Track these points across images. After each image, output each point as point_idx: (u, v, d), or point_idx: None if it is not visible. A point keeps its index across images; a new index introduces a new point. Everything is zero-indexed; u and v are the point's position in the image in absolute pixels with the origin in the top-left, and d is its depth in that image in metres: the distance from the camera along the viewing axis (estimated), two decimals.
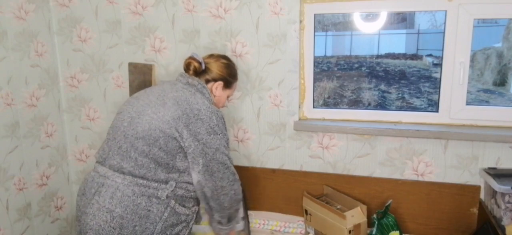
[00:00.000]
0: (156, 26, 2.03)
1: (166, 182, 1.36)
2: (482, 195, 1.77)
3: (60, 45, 2.19)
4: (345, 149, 1.93)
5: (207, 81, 1.54)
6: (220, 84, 1.56)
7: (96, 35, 2.13)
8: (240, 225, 1.67)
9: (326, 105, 4.92)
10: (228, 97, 1.65)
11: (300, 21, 1.87)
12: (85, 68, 2.19)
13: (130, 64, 2.11)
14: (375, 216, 1.76)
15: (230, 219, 1.50)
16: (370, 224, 1.77)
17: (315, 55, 1.93)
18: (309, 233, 1.87)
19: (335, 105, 5.29)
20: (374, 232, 1.73)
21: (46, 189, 2.18)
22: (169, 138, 1.34)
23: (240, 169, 2.05)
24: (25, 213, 2.04)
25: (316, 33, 1.90)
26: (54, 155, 2.22)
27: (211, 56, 1.60)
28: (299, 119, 1.98)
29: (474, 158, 1.77)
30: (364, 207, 1.74)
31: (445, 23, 1.74)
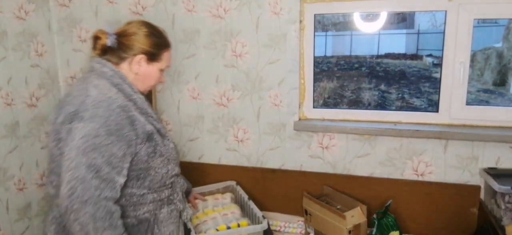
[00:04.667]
0: None
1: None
2: (482, 195, 1.77)
3: (60, 45, 2.19)
4: (345, 149, 1.93)
5: (123, 59, 1.25)
6: (142, 58, 1.25)
7: None
8: None
9: (326, 105, 4.92)
10: (161, 70, 1.33)
11: (300, 21, 1.87)
12: (85, 68, 2.19)
13: None
14: (375, 216, 1.76)
15: None
16: (370, 224, 1.77)
17: (315, 55, 1.93)
18: (309, 233, 1.87)
19: (335, 105, 5.29)
20: (374, 232, 1.73)
21: (46, 189, 2.18)
22: (53, 147, 1.19)
23: (240, 169, 2.06)
24: (25, 213, 2.04)
25: (316, 33, 1.90)
26: None
27: (127, 24, 1.29)
28: (299, 119, 1.98)
29: (474, 158, 1.77)
30: (364, 207, 1.74)
31: (445, 23, 1.74)
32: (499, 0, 1.65)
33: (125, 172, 1.15)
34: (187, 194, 1.74)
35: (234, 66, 1.97)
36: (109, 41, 1.22)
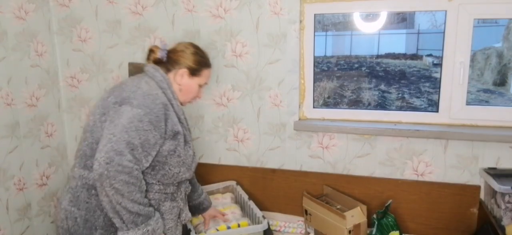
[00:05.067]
0: (156, 26, 2.03)
1: None
2: (482, 195, 1.77)
3: (60, 45, 2.19)
4: (345, 149, 1.93)
5: (169, 70, 1.46)
6: (185, 72, 1.46)
7: (96, 35, 2.13)
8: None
9: (326, 105, 4.92)
10: (200, 86, 1.53)
11: (300, 21, 1.87)
12: (85, 68, 2.19)
13: (130, 64, 2.11)
14: (375, 216, 1.76)
15: (122, 222, 1.27)
16: (370, 224, 1.77)
17: (315, 55, 1.93)
18: (309, 233, 1.87)
19: (335, 105, 5.29)
20: (374, 232, 1.73)
21: (46, 189, 2.18)
22: (96, 120, 1.33)
23: (240, 169, 2.06)
24: (25, 213, 2.04)
25: (316, 33, 1.90)
26: (54, 155, 2.22)
27: (178, 44, 1.53)
28: (299, 119, 1.98)
29: (474, 158, 1.77)
30: (364, 207, 1.74)
31: (445, 23, 1.74)
32: (499, 0, 1.65)
33: (150, 158, 1.31)
34: (204, 210, 1.73)
35: (234, 66, 1.97)
36: (160, 54, 1.45)
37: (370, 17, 1.95)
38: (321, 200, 1.83)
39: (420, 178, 1.85)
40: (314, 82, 1.96)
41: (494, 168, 1.73)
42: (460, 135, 1.72)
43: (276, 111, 1.97)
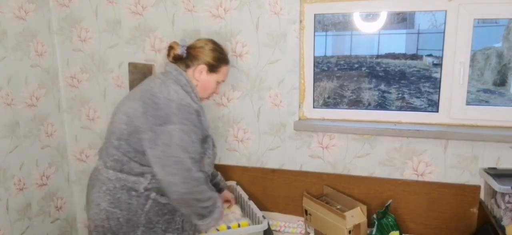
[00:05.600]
0: (156, 26, 2.03)
1: (142, 175, 1.39)
2: (482, 195, 1.77)
3: (60, 45, 2.19)
4: (345, 149, 1.93)
5: (189, 66, 1.49)
6: (203, 68, 1.49)
7: (96, 35, 2.13)
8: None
9: (326, 105, 4.91)
10: (218, 82, 1.57)
11: (300, 21, 1.87)
12: (85, 68, 2.19)
13: (130, 64, 2.11)
14: (375, 216, 1.76)
15: (200, 218, 1.43)
16: (370, 224, 1.77)
17: (315, 55, 1.93)
18: (309, 233, 1.87)
19: (335, 105, 5.28)
20: (374, 232, 1.73)
21: (46, 189, 2.18)
22: (132, 130, 1.36)
23: (240, 169, 2.06)
24: (25, 213, 2.04)
25: (316, 33, 1.90)
26: (54, 155, 2.22)
27: (197, 40, 1.57)
28: (299, 119, 1.98)
29: (474, 158, 1.77)
30: (364, 207, 1.74)
31: (445, 23, 1.74)
32: (499, 0, 1.65)
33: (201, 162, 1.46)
34: (220, 191, 1.82)
35: (234, 66, 1.97)
36: (180, 51, 1.48)
37: (370, 17, 1.95)
38: (321, 200, 1.83)
39: (420, 178, 1.85)
40: (314, 82, 1.96)
41: (494, 168, 1.73)
42: (460, 135, 1.72)
43: (276, 111, 1.97)
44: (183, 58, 1.49)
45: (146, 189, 1.40)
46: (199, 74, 1.49)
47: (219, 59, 1.53)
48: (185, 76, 1.46)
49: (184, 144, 1.33)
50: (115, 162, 1.41)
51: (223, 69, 1.56)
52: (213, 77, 1.53)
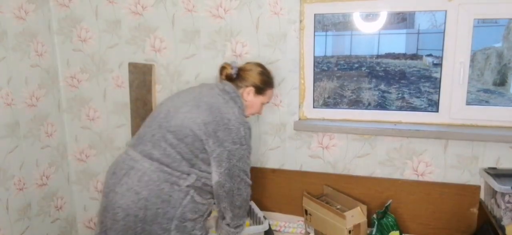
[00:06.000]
0: (156, 26, 2.03)
1: (188, 174, 1.47)
2: (482, 195, 1.77)
3: (60, 45, 2.19)
4: (345, 149, 1.93)
5: (239, 87, 1.62)
6: (251, 90, 1.62)
7: (96, 35, 2.13)
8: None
9: (326, 105, 4.91)
10: (262, 104, 1.69)
11: (300, 21, 1.87)
12: (85, 68, 2.19)
13: (130, 64, 2.11)
14: (375, 216, 1.76)
15: (237, 225, 1.56)
16: (370, 224, 1.77)
17: (315, 55, 1.93)
18: (309, 233, 1.87)
19: (335, 105, 5.28)
20: (374, 232, 1.73)
21: (46, 189, 2.18)
22: (197, 138, 1.45)
23: None
24: (25, 213, 2.04)
25: (316, 33, 1.91)
26: (54, 155, 2.22)
27: (247, 63, 1.70)
28: (299, 119, 1.98)
29: (474, 158, 1.77)
30: (364, 207, 1.74)
31: (445, 23, 1.74)
32: (499, 0, 1.65)
33: None
34: None
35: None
36: (232, 71, 1.61)
37: (370, 17, 1.95)
38: (321, 200, 1.83)
39: (420, 178, 1.85)
40: (314, 82, 1.96)
41: (494, 168, 1.73)
42: (460, 135, 1.72)
43: (276, 111, 1.97)
44: (233, 78, 1.62)
45: (187, 186, 1.46)
46: (247, 95, 1.62)
47: (266, 82, 1.66)
48: (240, 97, 1.59)
49: (247, 160, 1.52)
50: (164, 156, 1.45)
51: (269, 92, 1.69)
52: (259, 99, 1.65)
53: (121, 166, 1.49)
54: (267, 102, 1.72)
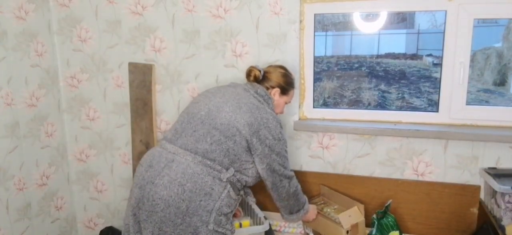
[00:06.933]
0: (156, 26, 2.03)
1: (227, 168, 1.52)
2: (482, 195, 1.77)
3: (60, 45, 2.19)
4: (345, 149, 1.93)
5: (266, 88, 1.70)
6: (277, 90, 1.70)
7: (96, 35, 2.13)
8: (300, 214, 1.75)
9: (326, 105, 4.91)
10: (285, 103, 1.77)
11: (300, 21, 1.87)
12: (85, 68, 2.19)
13: (130, 64, 2.11)
14: (375, 216, 1.76)
15: (291, 211, 1.70)
16: (370, 224, 1.77)
17: (315, 55, 1.93)
18: (308, 233, 1.87)
19: (335, 105, 5.27)
20: (374, 232, 1.73)
21: (46, 189, 2.18)
22: (243, 138, 1.53)
23: None
24: (25, 213, 2.04)
25: (316, 33, 1.91)
26: (54, 155, 2.22)
27: (270, 66, 1.77)
28: (299, 119, 1.98)
29: (474, 158, 1.77)
30: (362, 206, 1.74)
31: (445, 23, 1.74)
32: (499, 0, 1.65)
33: None
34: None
35: (234, 66, 1.97)
36: (260, 74, 1.71)
37: (370, 17, 1.95)
38: (317, 200, 1.84)
39: (420, 178, 1.85)
40: (314, 82, 1.96)
41: (494, 168, 1.73)
42: (460, 135, 1.72)
43: None
44: (260, 80, 1.71)
45: (226, 180, 1.52)
46: (273, 95, 1.70)
47: (289, 83, 1.74)
48: (271, 99, 1.68)
49: (285, 153, 1.64)
50: (210, 152, 1.51)
51: (291, 92, 1.77)
52: (284, 99, 1.74)
53: (158, 159, 1.52)
54: (289, 102, 1.79)
